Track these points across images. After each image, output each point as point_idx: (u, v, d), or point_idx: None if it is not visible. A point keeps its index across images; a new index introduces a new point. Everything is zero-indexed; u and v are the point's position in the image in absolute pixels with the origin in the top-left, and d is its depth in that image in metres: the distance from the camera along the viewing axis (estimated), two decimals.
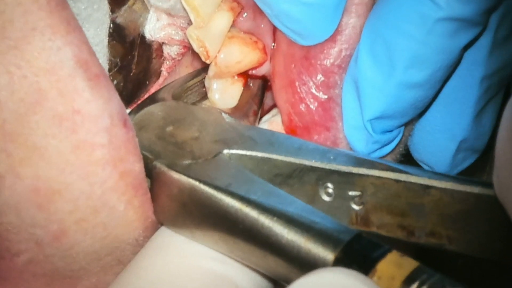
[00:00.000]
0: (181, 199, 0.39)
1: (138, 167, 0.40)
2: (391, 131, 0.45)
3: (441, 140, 0.48)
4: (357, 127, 0.45)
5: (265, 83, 0.51)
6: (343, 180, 0.40)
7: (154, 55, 0.53)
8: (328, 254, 0.34)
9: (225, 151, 0.41)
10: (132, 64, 0.51)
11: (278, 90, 0.47)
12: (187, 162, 0.40)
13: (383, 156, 0.47)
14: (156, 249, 0.40)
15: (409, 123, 0.48)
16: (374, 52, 0.42)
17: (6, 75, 0.37)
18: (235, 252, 0.38)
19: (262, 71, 0.50)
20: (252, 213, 0.37)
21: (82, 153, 0.38)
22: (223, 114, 0.46)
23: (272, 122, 0.50)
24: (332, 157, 0.41)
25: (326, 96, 0.45)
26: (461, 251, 0.40)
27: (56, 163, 0.38)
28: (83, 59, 0.38)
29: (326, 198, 0.41)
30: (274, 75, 0.48)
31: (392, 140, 0.46)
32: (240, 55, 0.48)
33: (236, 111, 0.48)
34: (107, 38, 0.47)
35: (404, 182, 0.39)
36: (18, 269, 0.40)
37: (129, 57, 0.51)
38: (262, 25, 0.48)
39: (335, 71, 0.45)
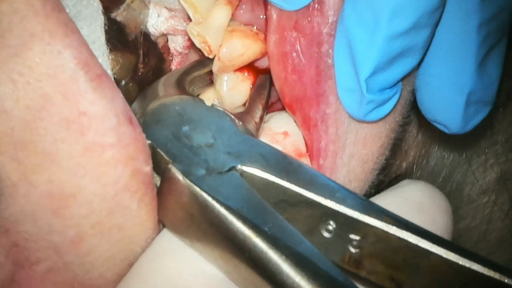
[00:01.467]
0: (190, 209, 0.38)
1: (147, 163, 0.40)
2: (387, 88, 0.45)
3: (449, 95, 0.48)
4: (350, 89, 0.44)
5: (270, 81, 0.51)
6: (347, 222, 0.40)
7: (163, 53, 0.53)
8: None
9: (239, 167, 0.41)
10: (138, 63, 0.51)
11: (273, 68, 0.48)
12: (201, 172, 0.39)
13: (382, 118, 0.46)
14: (159, 253, 0.40)
15: (407, 83, 0.48)
16: (358, 10, 0.42)
17: (10, 83, 0.37)
18: (233, 274, 0.38)
19: (265, 62, 0.50)
20: (262, 244, 0.36)
21: (92, 155, 0.38)
22: (237, 122, 0.45)
23: (265, 129, 0.50)
24: (341, 197, 0.40)
25: (317, 67, 0.45)
26: None
27: (68, 167, 0.38)
28: (83, 61, 0.38)
29: (325, 234, 0.41)
30: (269, 56, 0.48)
31: (389, 100, 0.45)
32: (242, 47, 0.48)
33: (243, 114, 0.48)
34: (104, 35, 0.47)
35: (407, 241, 0.39)
36: (39, 278, 0.41)
37: (134, 55, 0.51)
38: (261, 16, 0.49)
39: (325, 39, 0.45)
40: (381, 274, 0.40)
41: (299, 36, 0.45)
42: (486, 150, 0.70)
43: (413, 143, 0.68)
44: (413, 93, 0.50)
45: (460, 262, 0.38)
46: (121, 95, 0.40)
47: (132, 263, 0.41)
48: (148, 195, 0.40)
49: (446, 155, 0.69)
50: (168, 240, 0.40)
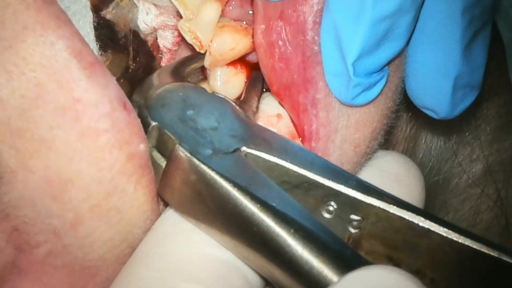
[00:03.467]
0: (197, 187, 0.39)
1: (142, 147, 0.41)
2: (373, 73, 0.45)
3: (436, 80, 0.49)
4: (338, 74, 0.45)
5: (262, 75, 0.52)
6: (348, 203, 0.41)
7: (153, 51, 0.54)
8: (337, 279, 0.35)
9: (243, 149, 0.42)
10: (128, 61, 0.52)
11: (260, 58, 0.48)
12: (208, 152, 0.40)
13: (373, 103, 0.47)
14: (163, 236, 0.41)
15: (397, 69, 0.48)
16: None
17: (5, 74, 0.38)
18: (240, 250, 0.39)
19: (256, 56, 0.51)
20: (269, 219, 0.37)
21: (88, 140, 0.39)
22: (238, 108, 0.46)
23: (258, 113, 0.51)
24: (342, 179, 0.41)
25: (304, 54, 0.46)
26: None
27: (65, 153, 0.39)
28: (76, 50, 0.39)
29: (326, 215, 0.42)
30: (256, 46, 0.49)
31: (376, 84, 0.46)
32: (233, 42, 0.49)
33: (242, 103, 0.49)
34: (93, 32, 0.48)
35: (408, 221, 0.40)
36: (39, 261, 0.41)
37: (124, 53, 0.51)
38: (250, 12, 0.50)
39: (310, 27, 0.45)
40: (380, 254, 0.41)
41: (285, 25, 0.46)
42: (472, 142, 0.71)
43: (402, 137, 0.69)
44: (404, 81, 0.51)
45: (460, 241, 0.39)
46: (114, 81, 0.41)
47: (131, 244, 0.42)
48: (144, 178, 0.41)
49: (433, 147, 0.71)
50: (173, 223, 0.41)
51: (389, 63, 0.46)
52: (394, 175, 0.45)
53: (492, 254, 0.39)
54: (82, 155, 0.39)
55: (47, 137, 0.38)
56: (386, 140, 0.63)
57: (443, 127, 0.69)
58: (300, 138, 0.48)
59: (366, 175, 0.45)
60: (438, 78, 0.48)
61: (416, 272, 0.40)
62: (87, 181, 0.39)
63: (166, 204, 0.43)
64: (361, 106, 0.48)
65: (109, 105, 0.39)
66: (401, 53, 0.47)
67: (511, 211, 0.71)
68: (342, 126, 0.48)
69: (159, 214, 0.43)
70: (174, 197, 0.41)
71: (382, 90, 0.47)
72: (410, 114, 0.67)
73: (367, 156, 0.50)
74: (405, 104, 0.61)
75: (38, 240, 0.40)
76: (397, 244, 0.40)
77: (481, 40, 0.49)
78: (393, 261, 0.41)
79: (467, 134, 0.70)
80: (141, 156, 0.41)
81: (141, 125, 0.41)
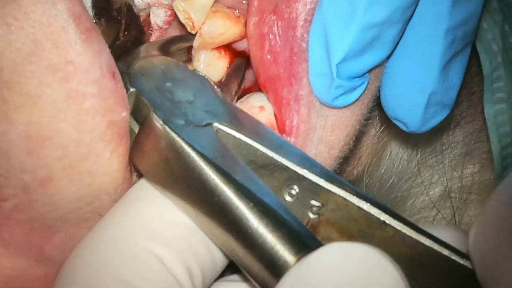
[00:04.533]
0: (165, 154, 0.40)
1: (124, 117, 0.42)
2: (355, 77, 0.47)
3: (411, 93, 0.50)
4: (321, 74, 0.47)
5: (246, 62, 0.54)
6: (310, 188, 0.42)
7: (144, 26, 0.55)
8: (290, 256, 0.36)
9: (215, 124, 0.43)
10: (119, 32, 0.53)
11: (251, 48, 0.50)
12: (180, 122, 0.41)
13: (350, 108, 0.49)
14: (133, 199, 0.42)
15: (375, 78, 0.50)
16: None
17: (4, 26, 0.38)
18: (200, 219, 0.40)
19: (243, 45, 0.53)
20: (230, 191, 0.38)
21: (73, 102, 0.39)
22: (216, 88, 0.47)
23: (243, 103, 0.52)
24: (308, 164, 0.42)
25: (293, 50, 0.48)
26: None
27: (49, 111, 0.39)
28: (76, 13, 0.40)
29: (288, 198, 0.43)
30: (248, 36, 0.50)
31: (356, 88, 0.48)
32: (224, 27, 0.51)
33: (221, 85, 0.50)
34: (91, 2, 0.49)
35: (366, 212, 0.41)
36: (5, 215, 0.42)
37: (117, 24, 0.53)
38: (244, 1, 0.51)
39: (301, 24, 0.47)
40: (335, 241, 0.42)
41: (278, 19, 0.48)
42: (434, 165, 0.73)
43: (367, 152, 0.71)
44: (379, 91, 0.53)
45: (413, 236, 0.40)
46: (107, 50, 0.41)
47: (97, 209, 0.43)
48: (121, 147, 0.42)
49: (395, 164, 0.72)
50: (144, 188, 0.42)
51: (370, 70, 0.48)
52: None
53: (442, 252, 0.40)
54: (66, 115, 0.40)
55: (35, 93, 0.39)
56: (352, 153, 0.65)
57: (408, 147, 0.71)
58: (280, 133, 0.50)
59: None
60: (414, 92, 0.50)
61: None
62: (65, 141, 0.40)
63: (140, 176, 0.44)
64: (338, 109, 0.49)
65: (99, 71, 0.40)
66: (382, 63, 0.49)
67: None
68: (320, 126, 0.49)
69: (131, 185, 0.43)
70: (143, 162, 0.42)
71: (360, 95, 0.49)
72: (378, 130, 0.69)
73: (338, 160, 0.51)
74: (377, 118, 0.63)
75: (8, 194, 0.41)
76: (352, 233, 0.42)
77: (459, 62, 0.51)
78: None
79: (431, 157, 0.72)
80: (121, 126, 0.42)
81: (126, 96, 0.42)
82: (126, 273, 0.38)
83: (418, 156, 0.72)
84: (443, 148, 0.72)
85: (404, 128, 0.53)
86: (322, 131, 0.49)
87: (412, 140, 0.69)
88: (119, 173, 0.42)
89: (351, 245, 0.35)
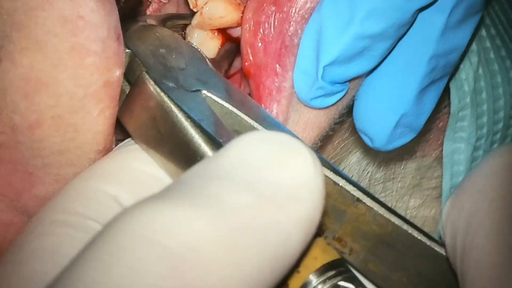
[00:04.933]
0: (153, 113, 0.41)
1: (119, 80, 0.43)
2: (337, 83, 0.49)
3: (383, 110, 0.52)
4: (306, 72, 0.49)
5: (237, 50, 0.56)
6: None
7: None
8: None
9: (204, 91, 0.44)
10: None
11: (243, 33, 0.52)
12: (171, 85, 0.42)
13: (324, 110, 0.51)
14: (120, 154, 0.43)
15: (354, 88, 0.52)
16: (337, 3, 0.47)
17: None
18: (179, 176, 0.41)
19: (237, 32, 0.55)
20: (213, 153, 0.39)
21: (76, 56, 0.41)
22: (207, 60, 0.49)
23: None
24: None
25: (284, 43, 0.50)
26: (355, 265, 0.43)
27: (51, 59, 0.40)
28: None
29: None
30: (243, 21, 0.52)
31: (335, 93, 0.50)
32: (224, 11, 0.53)
33: (212, 61, 0.52)
34: None
35: (341, 187, 0.42)
36: None
37: None
38: None
39: (298, 20, 0.49)
40: None
41: (276, 11, 0.49)
42: (381, 192, 0.75)
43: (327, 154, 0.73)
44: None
45: (384, 214, 0.41)
46: (117, 13, 0.43)
47: (75, 170, 0.44)
48: (109, 110, 0.43)
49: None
50: (121, 145, 0.44)
51: (351, 80, 0.51)
52: None
53: (411, 232, 0.41)
54: (67, 66, 0.41)
55: (41, 39, 0.40)
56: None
57: (363, 165, 0.73)
58: None
59: None
60: (387, 110, 0.52)
61: (338, 239, 0.42)
62: (60, 91, 0.41)
63: None
64: (313, 109, 0.51)
65: (106, 31, 0.41)
66: (364, 75, 0.51)
67: None
68: (294, 121, 0.51)
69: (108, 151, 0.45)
70: (131, 120, 0.43)
71: (337, 101, 0.51)
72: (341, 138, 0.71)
73: None
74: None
75: None
76: (325, 209, 0.43)
77: (434, 90, 0.53)
78: (318, 227, 0.42)
79: (381, 181, 0.74)
80: (114, 88, 0.43)
81: (124, 59, 0.43)
82: (78, 207, 0.39)
83: (368, 178, 0.74)
84: (393, 177, 0.74)
85: (369, 143, 0.54)
86: (295, 126, 0.51)
87: (370, 155, 0.71)
88: (102, 135, 0.43)
89: (265, 132, 0.36)
